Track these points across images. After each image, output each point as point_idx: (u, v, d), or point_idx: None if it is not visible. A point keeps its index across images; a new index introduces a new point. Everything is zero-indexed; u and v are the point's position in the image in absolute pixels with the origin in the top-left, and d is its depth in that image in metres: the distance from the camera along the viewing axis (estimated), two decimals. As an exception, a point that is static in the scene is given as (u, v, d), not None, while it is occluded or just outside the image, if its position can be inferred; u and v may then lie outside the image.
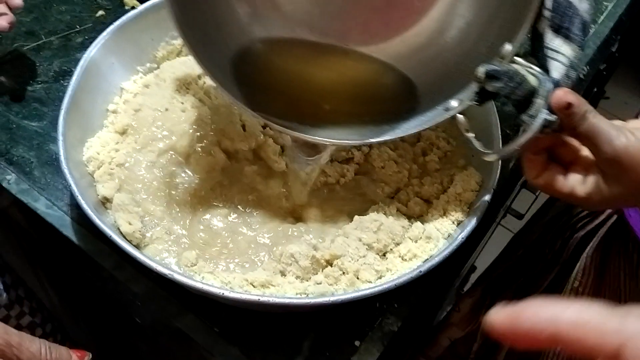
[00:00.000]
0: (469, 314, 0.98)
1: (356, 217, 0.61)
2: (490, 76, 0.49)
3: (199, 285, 0.50)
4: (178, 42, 0.77)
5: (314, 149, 0.60)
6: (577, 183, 0.50)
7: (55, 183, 0.66)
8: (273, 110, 0.56)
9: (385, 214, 0.62)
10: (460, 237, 0.56)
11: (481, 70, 0.49)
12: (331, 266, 0.57)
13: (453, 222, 0.61)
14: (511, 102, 0.50)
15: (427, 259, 0.58)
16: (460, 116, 0.56)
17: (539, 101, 0.48)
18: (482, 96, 0.52)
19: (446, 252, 0.55)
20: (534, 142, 0.49)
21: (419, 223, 0.62)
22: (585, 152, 0.50)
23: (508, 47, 0.51)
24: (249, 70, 0.59)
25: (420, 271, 0.54)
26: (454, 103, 0.56)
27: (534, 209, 1.10)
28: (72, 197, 0.59)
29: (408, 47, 0.61)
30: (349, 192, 0.67)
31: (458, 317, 1.00)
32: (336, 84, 0.63)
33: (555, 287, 0.80)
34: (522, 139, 0.49)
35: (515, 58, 0.51)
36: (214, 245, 0.60)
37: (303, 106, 0.60)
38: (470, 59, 0.56)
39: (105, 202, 0.61)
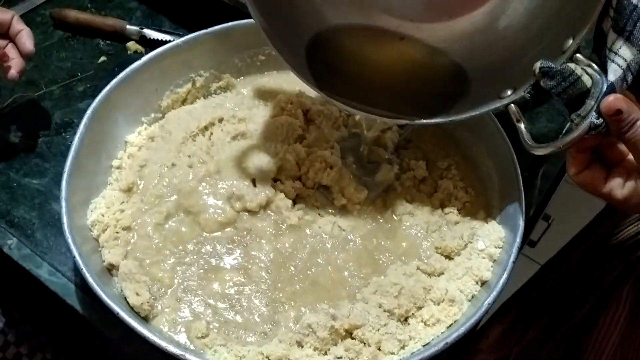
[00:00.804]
0: (498, 341, 0.93)
1: (374, 279, 0.59)
2: (545, 73, 0.49)
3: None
4: (183, 90, 0.75)
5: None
6: (616, 185, 0.50)
7: (59, 246, 0.64)
8: (337, 91, 0.60)
9: (405, 274, 0.59)
10: (486, 303, 0.54)
11: (537, 66, 0.49)
12: (351, 336, 0.55)
13: (477, 282, 0.59)
14: (562, 100, 0.50)
15: (451, 324, 0.56)
16: (512, 105, 0.56)
17: (589, 102, 0.48)
18: (537, 90, 0.52)
19: (473, 320, 0.53)
20: (579, 141, 0.49)
21: (441, 283, 0.60)
22: (630, 156, 0.50)
23: (570, 42, 0.51)
24: (320, 54, 0.62)
25: (447, 343, 0.51)
26: (508, 92, 0.56)
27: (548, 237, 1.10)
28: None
29: (473, 28, 0.62)
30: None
31: (487, 344, 0.96)
32: (394, 67, 0.65)
33: (592, 318, 0.77)
34: (569, 138, 0.49)
35: (577, 55, 0.51)
36: (225, 312, 0.58)
37: (364, 87, 0.62)
38: (531, 49, 0.56)
39: (111, 268, 0.59)
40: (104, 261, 0.59)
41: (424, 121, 0.60)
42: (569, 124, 0.87)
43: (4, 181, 0.69)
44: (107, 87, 0.67)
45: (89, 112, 0.65)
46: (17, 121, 0.76)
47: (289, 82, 0.79)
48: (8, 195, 0.68)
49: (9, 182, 0.69)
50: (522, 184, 0.64)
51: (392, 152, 0.70)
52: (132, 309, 0.55)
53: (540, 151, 0.54)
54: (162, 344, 0.48)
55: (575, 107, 0.49)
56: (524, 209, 0.62)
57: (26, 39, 0.69)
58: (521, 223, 0.60)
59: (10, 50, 0.69)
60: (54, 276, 0.61)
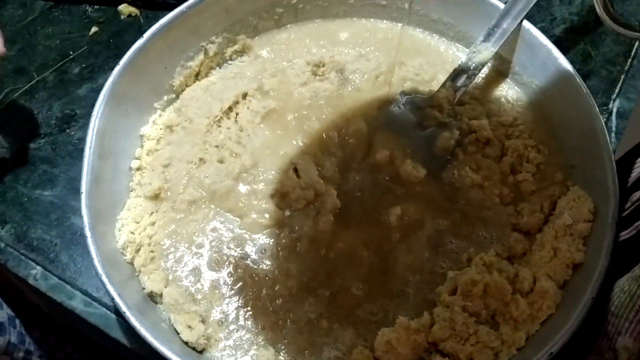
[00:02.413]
0: None
1: (450, 274, 0.53)
2: None
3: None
4: (195, 62, 0.67)
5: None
6: None
7: (89, 267, 0.58)
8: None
9: (484, 264, 0.53)
10: (589, 296, 0.48)
11: None
12: (436, 347, 0.50)
13: (568, 266, 0.53)
14: None
15: (546, 319, 0.51)
16: None
17: None
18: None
19: (574, 320, 0.48)
20: None
21: (526, 269, 0.54)
22: None
23: None
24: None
25: (552, 353, 0.46)
26: None
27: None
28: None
29: None
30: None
31: None
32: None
33: None
34: None
35: None
36: (284, 330, 0.53)
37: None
38: None
39: (153, 296, 0.53)
40: (144, 288, 0.53)
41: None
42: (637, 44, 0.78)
43: (13, 197, 0.63)
44: (110, 79, 0.59)
45: (95, 110, 0.57)
46: (12, 122, 0.68)
47: (313, 34, 0.71)
48: (20, 213, 0.62)
49: (19, 197, 0.63)
50: (607, 135, 0.56)
51: (449, 113, 0.62)
52: (186, 344, 0.50)
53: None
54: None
55: None
56: (614, 169, 0.54)
57: None
58: (612, 190, 0.53)
59: None
60: (90, 307, 0.56)
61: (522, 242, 0.56)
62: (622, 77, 0.72)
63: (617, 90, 0.71)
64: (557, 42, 0.74)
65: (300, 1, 0.69)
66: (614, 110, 0.69)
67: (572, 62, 0.72)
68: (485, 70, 0.68)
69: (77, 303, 0.56)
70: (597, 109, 0.58)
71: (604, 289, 0.49)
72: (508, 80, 0.67)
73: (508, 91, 0.66)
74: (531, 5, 0.63)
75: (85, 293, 0.57)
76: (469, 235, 0.57)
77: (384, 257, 0.56)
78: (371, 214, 0.58)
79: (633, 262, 0.48)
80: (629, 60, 0.73)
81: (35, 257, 0.59)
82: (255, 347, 0.51)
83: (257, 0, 0.68)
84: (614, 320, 0.47)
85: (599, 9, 0.61)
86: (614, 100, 0.70)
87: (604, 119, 0.68)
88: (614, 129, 0.68)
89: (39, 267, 0.58)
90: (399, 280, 0.54)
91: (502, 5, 0.63)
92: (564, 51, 0.73)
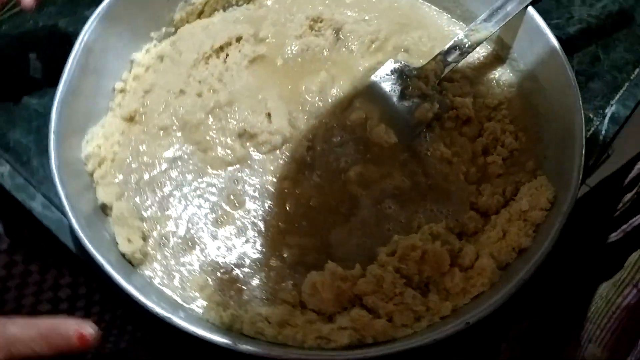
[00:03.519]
0: None
1: (395, 237, 0.54)
2: None
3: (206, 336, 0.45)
4: (199, 0, 0.69)
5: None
6: None
7: (55, 176, 0.61)
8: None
9: (432, 233, 0.54)
10: (521, 277, 0.49)
11: None
12: (361, 301, 0.51)
13: (514, 249, 0.53)
14: None
15: (478, 295, 0.51)
16: None
17: None
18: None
19: (500, 296, 0.48)
20: None
21: (471, 246, 0.54)
22: None
23: None
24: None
25: (469, 322, 0.47)
26: None
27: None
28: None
29: None
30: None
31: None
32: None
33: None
34: None
35: None
36: (223, 264, 0.55)
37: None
38: None
39: (106, 208, 0.56)
40: (98, 200, 0.56)
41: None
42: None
43: (1, 98, 0.66)
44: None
45: (87, 25, 0.60)
46: (16, 29, 0.71)
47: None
48: (6, 115, 0.65)
49: (7, 99, 0.66)
50: (584, 131, 0.56)
51: (433, 86, 0.63)
52: (123, 256, 0.53)
53: None
54: (147, 303, 0.46)
55: None
56: (582, 163, 0.54)
57: None
58: (575, 182, 0.53)
59: None
60: (48, 210, 0.59)
61: (475, 221, 0.57)
62: (626, 84, 0.71)
63: (617, 96, 0.70)
64: (569, 40, 0.75)
65: (315, -42, 0.71)
66: (609, 114, 0.69)
67: (579, 63, 0.73)
68: (484, 53, 0.68)
69: (36, 204, 0.60)
70: (580, 102, 0.57)
71: (585, 293, 0.49)
72: (505, 65, 0.67)
73: (501, 76, 0.66)
74: (540, -9, 0.63)
75: (45, 197, 0.60)
76: (425, 204, 0.58)
77: (333, 210, 0.57)
78: (333, 168, 0.59)
79: (617, 266, 0.47)
80: (637, 69, 0.72)
81: (8, 157, 0.62)
82: (187, 273, 0.54)
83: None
84: (588, 326, 0.47)
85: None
86: (612, 105, 0.69)
87: (597, 122, 0.68)
88: (603, 132, 0.67)
89: (8, 166, 0.62)
90: (345, 235, 0.56)
91: (512, -12, 0.63)
92: (574, 50, 0.73)
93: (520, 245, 0.53)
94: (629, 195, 0.56)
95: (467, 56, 0.64)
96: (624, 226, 0.53)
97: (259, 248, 0.55)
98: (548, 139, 0.60)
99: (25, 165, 0.62)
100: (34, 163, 0.62)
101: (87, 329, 0.41)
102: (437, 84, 0.63)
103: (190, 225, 0.56)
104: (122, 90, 0.63)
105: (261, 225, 0.56)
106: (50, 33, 0.72)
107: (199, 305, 0.52)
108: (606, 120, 0.69)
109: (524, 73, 0.65)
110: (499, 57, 0.67)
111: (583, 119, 0.57)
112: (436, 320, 0.50)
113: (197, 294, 0.52)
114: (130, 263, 0.53)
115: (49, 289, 0.72)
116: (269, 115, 0.61)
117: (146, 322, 0.57)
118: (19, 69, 0.69)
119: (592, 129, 0.68)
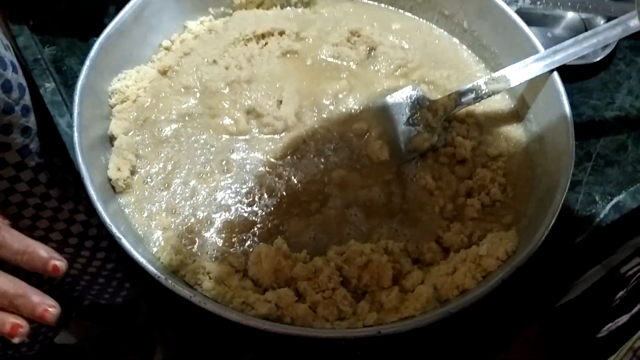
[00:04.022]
0: None
1: (352, 242, 0.57)
2: None
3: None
4: (263, -10, 0.75)
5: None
6: None
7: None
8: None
9: (385, 248, 0.57)
10: (445, 310, 0.50)
11: None
12: (295, 284, 0.54)
13: (457, 287, 0.55)
14: None
15: (406, 318, 0.53)
16: None
17: None
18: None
19: (420, 322, 0.50)
20: None
21: (420, 272, 0.56)
22: None
23: None
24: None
25: (380, 332, 0.49)
26: None
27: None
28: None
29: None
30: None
31: None
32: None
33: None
34: None
35: None
36: (194, 217, 0.59)
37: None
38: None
39: (112, 138, 0.62)
40: (109, 130, 0.62)
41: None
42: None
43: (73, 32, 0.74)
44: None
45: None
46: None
47: (372, 14, 0.76)
48: (68, 43, 0.74)
49: (76, 34, 0.74)
50: (562, 199, 0.57)
51: (440, 120, 0.65)
52: (109, 181, 0.59)
53: None
54: (113, 229, 0.51)
55: None
56: (551, 224, 0.55)
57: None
58: (537, 238, 0.54)
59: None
60: (70, 128, 0.66)
61: (434, 253, 0.59)
62: (640, 178, 0.71)
63: (631, 188, 0.70)
64: (601, 122, 0.75)
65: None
66: (614, 201, 0.69)
67: (604, 147, 0.74)
68: (504, 106, 0.70)
69: (63, 121, 0.67)
70: (571, 170, 0.58)
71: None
72: (520, 123, 0.69)
73: (513, 132, 0.68)
74: (568, 61, 0.64)
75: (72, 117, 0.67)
76: (391, 222, 0.60)
77: (301, 203, 0.61)
78: (319, 166, 0.63)
79: None
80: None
81: (57, 77, 0.71)
82: (155, 211, 0.59)
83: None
84: None
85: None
86: (622, 194, 0.69)
87: (601, 206, 0.68)
88: (601, 216, 0.68)
89: (53, 84, 0.70)
90: (303, 226, 0.59)
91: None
92: (603, 134, 0.74)
93: (464, 286, 0.55)
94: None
95: (485, 105, 0.67)
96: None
97: (225, 214, 0.60)
98: (534, 201, 0.62)
99: (67, 88, 0.70)
100: (75, 89, 0.70)
101: (61, 262, 0.49)
102: (447, 121, 0.66)
103: (175, 170, 0.61)
104: (167, 48, 0.70)
105: (234, 195, 0.61)
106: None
107: (156, 244, 0.57)
108: (609, 206, 0.69)
109: (534, 135, 0.66)
110: (516, 114, 0.69)
111: (568, 184, 0.57)
112: (358, 326, 0.52)
113: (159, 233, 0.57)
114: (114, 190, 0.59)
115: (63, 220, 0.79)
116: (280, 102, 0.66)
117: (144, 281, 0.61)
118: (96, 12, 0.77)
119: (593, 210, 0.69)
